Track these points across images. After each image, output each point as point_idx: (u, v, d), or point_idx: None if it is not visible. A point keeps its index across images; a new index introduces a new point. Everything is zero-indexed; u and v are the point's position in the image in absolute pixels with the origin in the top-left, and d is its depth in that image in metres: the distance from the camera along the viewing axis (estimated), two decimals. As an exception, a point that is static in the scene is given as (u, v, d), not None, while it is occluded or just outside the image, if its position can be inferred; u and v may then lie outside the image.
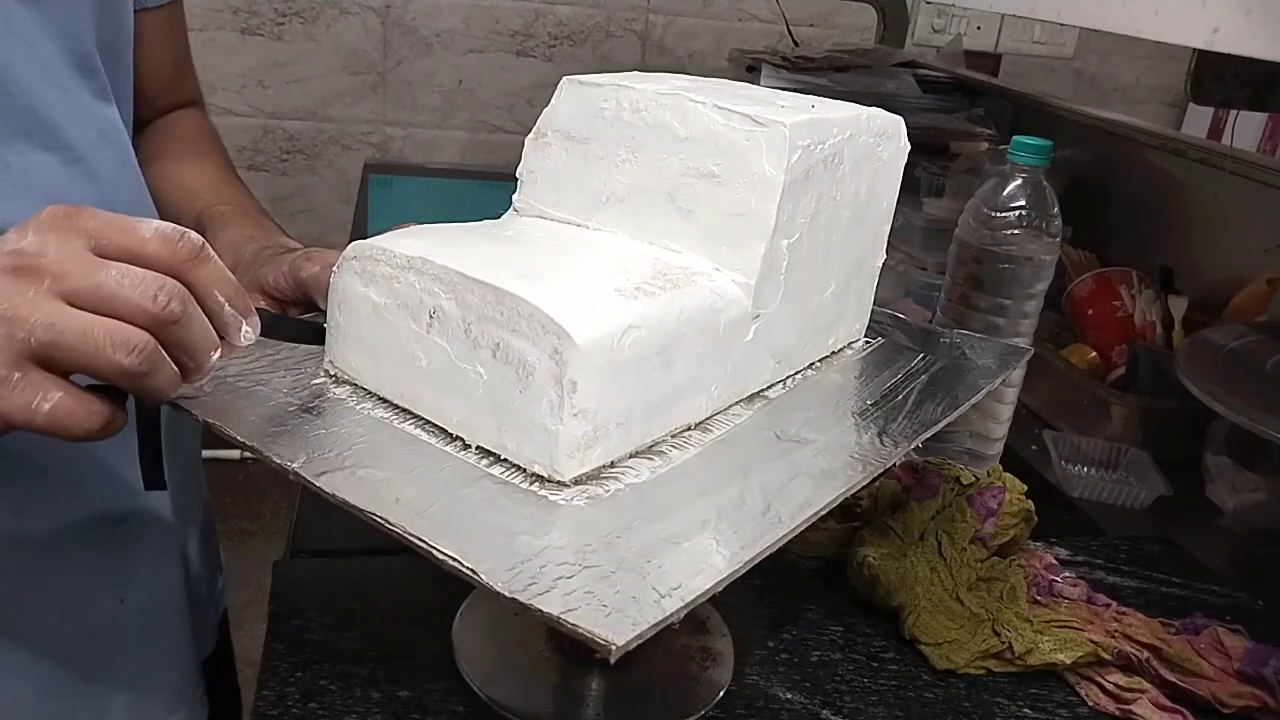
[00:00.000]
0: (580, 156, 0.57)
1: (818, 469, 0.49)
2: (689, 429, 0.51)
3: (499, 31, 1.89)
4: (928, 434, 0.54)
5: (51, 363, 0.39)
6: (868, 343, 0.66)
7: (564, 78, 0.58)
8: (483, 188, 1.89)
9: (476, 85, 1.93)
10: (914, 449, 0.53)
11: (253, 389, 0.50)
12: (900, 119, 0.61)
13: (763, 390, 0.57)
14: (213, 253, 0.43)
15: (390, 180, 1.85)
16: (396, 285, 0.48)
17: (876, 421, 0.54)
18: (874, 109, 0.59)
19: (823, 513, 0.45)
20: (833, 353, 0.63)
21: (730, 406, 0.54)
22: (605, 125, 0.56)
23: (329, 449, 0.45)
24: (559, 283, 0.47)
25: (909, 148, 0.62)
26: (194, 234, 0.42)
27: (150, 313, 0.40)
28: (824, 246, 0.57)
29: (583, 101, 0.57)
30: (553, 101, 0.58)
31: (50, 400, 0.39)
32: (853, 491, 0.47)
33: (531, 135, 0.59)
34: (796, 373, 0.59)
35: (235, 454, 1.28)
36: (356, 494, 0.42)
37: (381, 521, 0.40)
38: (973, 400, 0.59)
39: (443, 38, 1.91)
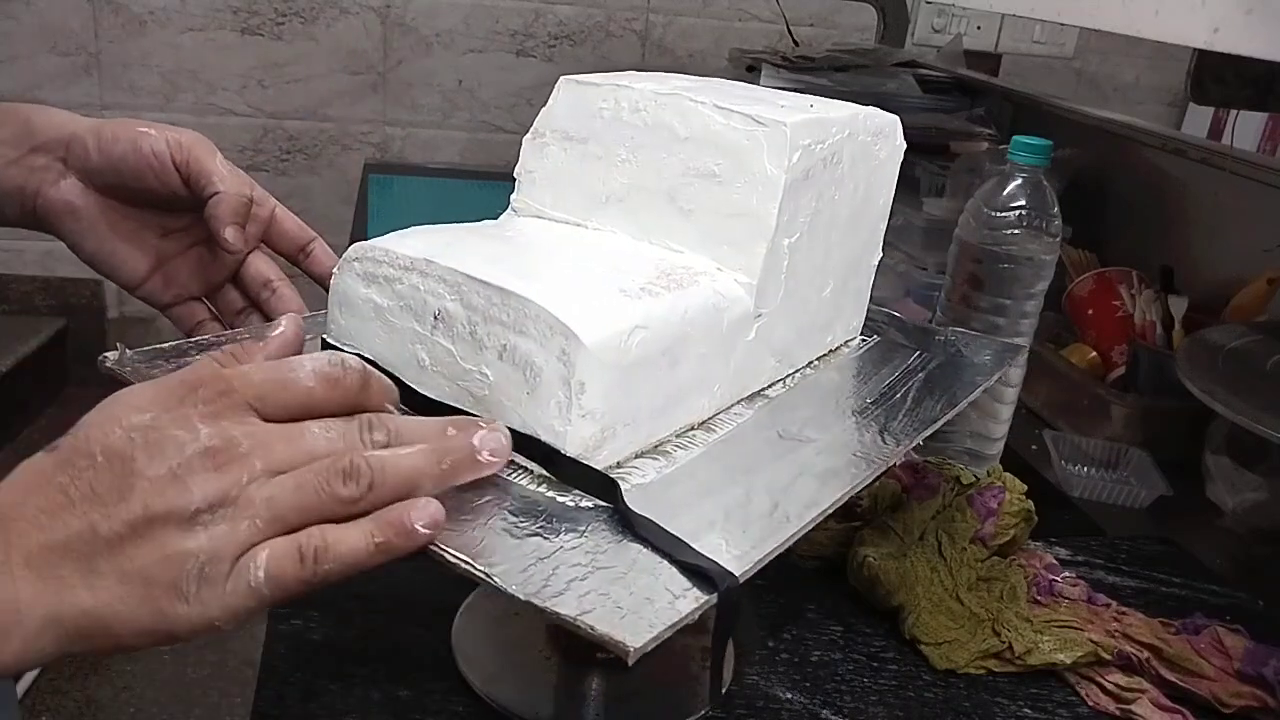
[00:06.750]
0: (578, 156, 0.57)
1: (821, 467, 0.49)
2: (692, 429, 0.51)
3: (499, 31, 1.89)
4: (928, 431, 0.54)
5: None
6: (864, 340, 0.66)
7: (561, 77, 0.58)
8: (483, 188, 1.89)
9: (476, 85, 1.93)
10: (915, 446, 0.54)
11: None
12: (897, 119, 0.61)
13: (763, 389, 0.57)
14: (372, 371, 0.42)
15: (390, 180, 1.85)
16: (399, 286, 0.48)
17: (877, 420, 0.55)
18: (871, 108, 0.59)
19: (829, 511, 0.45)
20: (830, 351, 0.63)
21: (732, 406, 0.54)
22: (603, 125, 0.56)
23: None
24: (564, 284, 0.47)
25: (905, 146, 0.62)
26: (350, 360, 0.42)
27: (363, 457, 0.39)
28: (823, 245, 0.57)
29: (580, 101, 0.57)
30: (550, 101, 0.58)
31: (258, 558, 0.37)
32: (858, 489, 0.48)
33: (529, 135, 0.59)
34: (795, 371, 0.60)
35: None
36: None
37: None
38: (971, 397, 0.59)
39: (443, 38, 1.91)
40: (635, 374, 0.45)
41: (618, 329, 0.44)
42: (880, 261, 0.66)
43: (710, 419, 0.53)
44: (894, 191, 0.64)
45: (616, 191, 0.56)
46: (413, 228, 0.53)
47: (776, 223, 0.52)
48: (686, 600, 0.38)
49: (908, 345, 0.66)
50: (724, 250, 0.53)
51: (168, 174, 0.59)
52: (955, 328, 0.68)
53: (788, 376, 0.59)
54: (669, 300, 0.48)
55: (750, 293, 0.52)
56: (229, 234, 0.58)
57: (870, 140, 0.59)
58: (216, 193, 0.58)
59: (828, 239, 0.58)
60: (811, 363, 0.61)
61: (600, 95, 0.56)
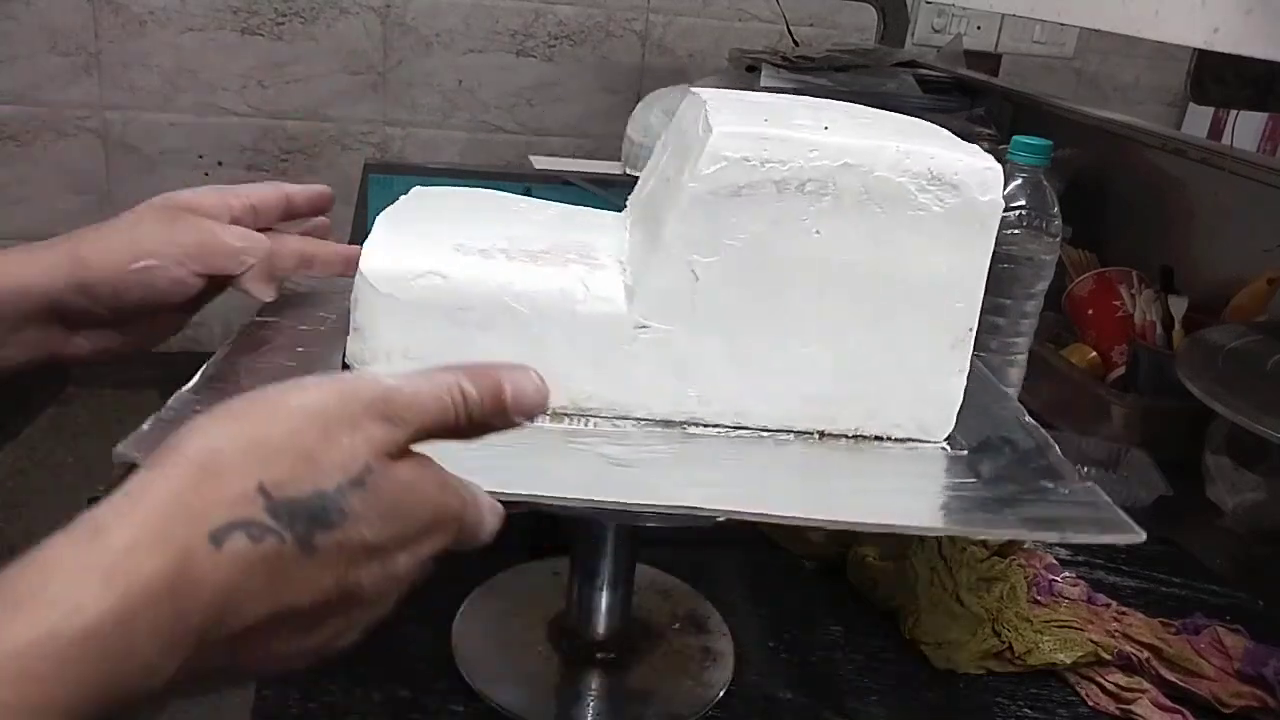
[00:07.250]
0: (657, 159, 0.59)
1: (551, 478, 0.46)
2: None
3: (499, 31, 1.89)
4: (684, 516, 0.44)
5: None
6: (943, 449, 0.54)
7: (688, 89, 0.60)
8: (482, 187, 1.89)
9: (476, 85, 1.93)
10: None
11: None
12: (993, 168, 0.51)
13: (684, 423, 0.52)
14: (506, 388, 0.37)
15: (390, 180, 1.85)
16: None
17: (714, 490, 0.47)
18: (943, 148, 0.51)
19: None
20: (858, 435, 0.54)
21: (623, 418, 0.52)
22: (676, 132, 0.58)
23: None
24: (422, 234, 0.53)
25: (1001, 204, 0.52)
26: (487, 376, 0.37)
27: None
28: (796, 290, 0.51)
29: (684, 109, 0.58)
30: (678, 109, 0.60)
31: None
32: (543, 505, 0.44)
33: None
34: (767, 431, 0.53)
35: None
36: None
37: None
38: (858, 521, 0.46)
39: (443, 38, 1.91)
40: (419, 313, 0.49)
41: (405, 266, 0.49)
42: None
43: (575, 415, 0.51)
44: (986, 264, 0.53)
45: (644, 195, 0.58)
46: (475, 189, 0.63)
47: (672, 231, 0.50)
48: None
49: (979, 474, 0.51)
50: (637, 254, 0.53)
51: (192, 286, 0.55)
52: (1089, 483, 0.49)
53: (740, 428, 0.53)
54: (501, 267, 0.50)
55: (629, 297, 0.50)
56: (268, 295, 0.57)
57: (908, 183, 0.49)
58: (247, 269, 0.55)
59: (800, 281, 0.51)
60: (810, 434, 0.53)
61: (688, 104, 0.57)
